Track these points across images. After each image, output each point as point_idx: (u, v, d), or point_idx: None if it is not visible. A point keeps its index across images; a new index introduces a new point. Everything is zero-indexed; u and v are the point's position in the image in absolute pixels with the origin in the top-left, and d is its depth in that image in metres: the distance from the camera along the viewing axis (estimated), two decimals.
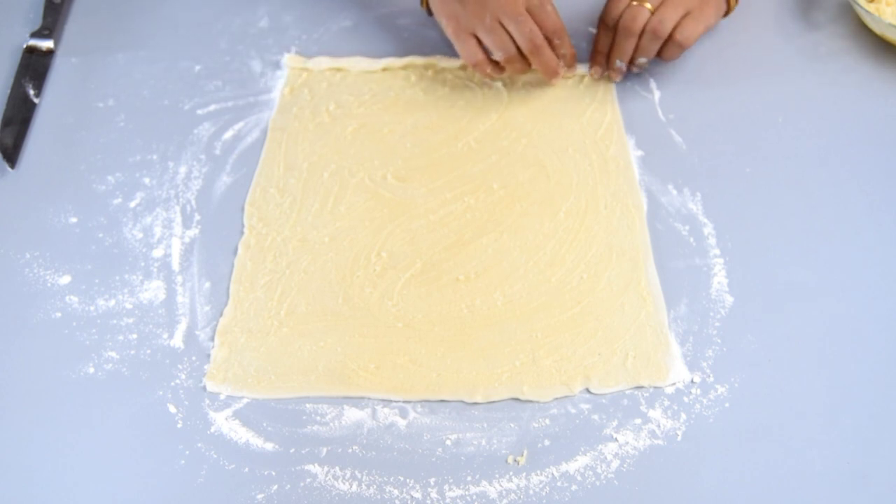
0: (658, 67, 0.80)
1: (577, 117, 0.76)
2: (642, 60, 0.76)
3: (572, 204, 0.69)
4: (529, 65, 0.74)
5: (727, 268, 0.64)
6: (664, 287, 0.63)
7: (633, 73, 0.78)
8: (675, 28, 0.73)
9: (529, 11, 0.72)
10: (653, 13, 0.73)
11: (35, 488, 0.55)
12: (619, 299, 0.63)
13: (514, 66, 0.74)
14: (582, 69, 0.80)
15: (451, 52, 0.79)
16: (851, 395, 0.57)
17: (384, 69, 0.81)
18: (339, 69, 0.81)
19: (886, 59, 0.80)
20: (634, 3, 0.73)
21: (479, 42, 0.73)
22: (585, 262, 0.65)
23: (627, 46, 0.74)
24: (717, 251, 0.66)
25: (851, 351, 0.59)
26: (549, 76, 0.76)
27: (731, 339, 0.60)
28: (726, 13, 0.80)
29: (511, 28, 0.71)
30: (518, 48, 0.72)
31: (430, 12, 0.78)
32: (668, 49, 0.75)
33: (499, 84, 0.79)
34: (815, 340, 0.60)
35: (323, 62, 0.81)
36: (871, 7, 0.80)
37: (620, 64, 0.76)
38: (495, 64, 0.75)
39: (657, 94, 0.78)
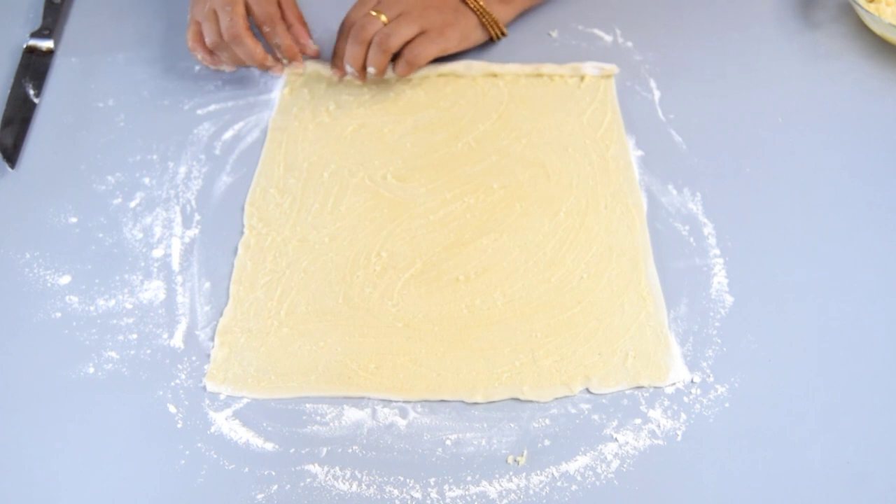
0: (658, 67, 0.80)
1: (577, 117, 0.76)
2: (371, 70, 0.76)
3: (572, 204, 0.69)
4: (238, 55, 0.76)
5: (727, 268, 0.64)
6: (664, 287, 0.63)
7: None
8: (406, 44, 0.74)
9: (246, 3, 0.75)
10: (385, 25, 0.74)
11: (35, 488, 0.55)
12: (619, 299, 0.63)
13: (222, 54, 0.76)
14: (589, 70, 0.79)
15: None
16: (851, 395, 0.57)
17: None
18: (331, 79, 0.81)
19: (886, 59, 0.80)
20: (372, 12, 0.75)
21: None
22: (585, 262, 0.65)
23: (357, 53, 0.75)
24: (717, 251, 0.66)
25: (851, 351, 0.60)
26: (258, 66, 0.77)
27: (731, 339, 0.60)
28: (492, 39, 0.80)
29: (220, 16, 0.74)
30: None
31: None
32: (397, 65, 0.76)
33: (499, 84, 0.79)
34: (815, 340, 0.60)
35: (320, 68, 0.81)
36: (871, 7, 0.80)
37: (351, 70, 0.76)
38: (209, 51, 0.77)
39: (657, 94, 0.78)
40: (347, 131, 0.76)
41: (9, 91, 0.79)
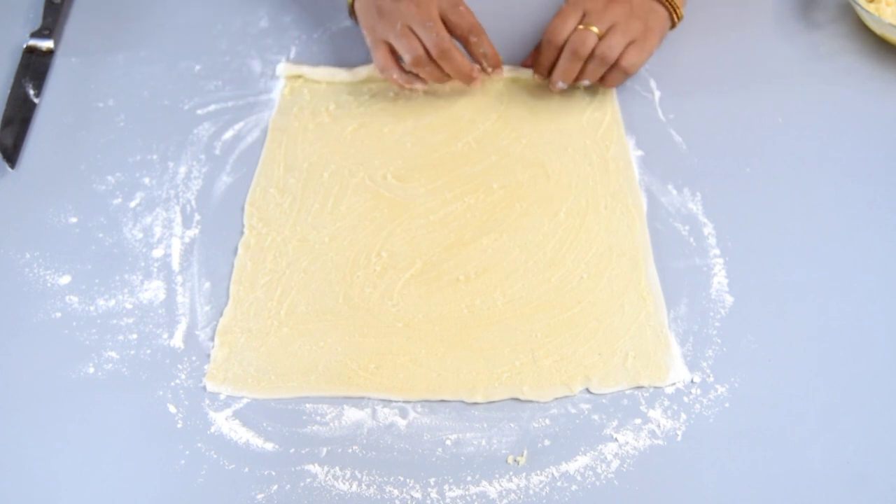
0: (658, 67, 0.80)
1: (577, 117, 0.76)
2: (585, 83, 0.75)
3: (572, 204, 0.69)
4: (441, 70, 0.74)
5: (727, 268, 0.64)
6: (664, 287, 0.63)
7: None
8: (620, 55, 0.73)
9: (442, 15, 0.73)
10: (601, 38, 0.72)
11: (35, 488, 0.55)
12: (619, 299, 0.63)
13: (423, 69, 0.73)
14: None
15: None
16: (851, 395, 0.57)
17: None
18: (331, 82, 0.80)
19: (886, 59, 0.80)
20: (581, 26, 0.73)
21: (394, 51, 0.74)
22: (585, 262, 0.65)
23: (573, 69, 0.74)
24: (717, 251, 0.66)
25: (851, 351, 0.59)
26: (464, 80, 0.75)
27: (731, 339, 0.60)
28: (672, 27, 0.79)
29: (420, 33, 0.72)
30: (429, 53, 0.73)
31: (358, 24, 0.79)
32: (612, 75, 0.74)
33: (499, 84, 0.79)
34: (815, 340, 0.60)
35: (318, 73, 0.80)
36: (871, 7, 0.80)
37: (563, 85, 0.75)
38: (404, 70, 0.75)
39: (657, 94, 0.78)
40: (347, 131, 0.76)
41: (9, 91, 0.79)
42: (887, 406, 0.57)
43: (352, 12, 0.78)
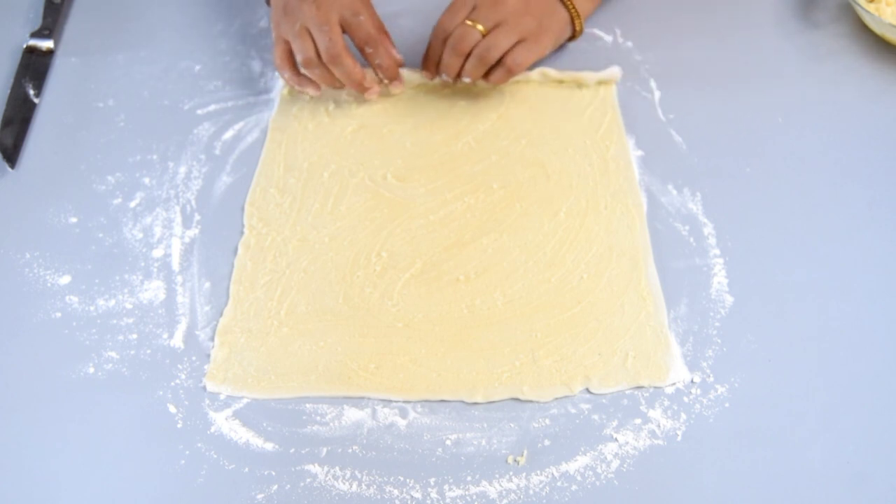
0: (658, 67, 0.80)
1: (577, 117, 0.76)
2: (466, 80, 0.74)
3: (572, 204, 0.69)
4: (334, 75, 0.74)
5: (727, 268, 0.64)
6: (664, 287, 0.63)
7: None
8: (506, 54, 0.72)
9: (343, 22, 0.72)
10: (484, 36, 0.72)
11: (35, 488, 0.55)
12: (619, 299, 0.63)
13: (313, 71, 0.73)
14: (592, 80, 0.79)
15: None
16: (851, 395, 0.57)
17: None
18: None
19: (886, 59, 0.80)
20: (468, 22, 0.72)
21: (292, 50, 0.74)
22: (585, 262, 0.65)
23: (454, 64, 0.73)
24: (717, 251, 0.66)
25: (851, 351, 0.59)
26: (355, 88, 0.75)
27: (731, 339, 0.60)
28: (571, 38, 0.79)
29: (315, 35, 0.72)
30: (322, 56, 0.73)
31: None
32: (495, 73, 0.74)
33: (499, 84, 0.79)
34: (815, 340, 0.60)
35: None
36: (871, 7, 0.80)
37: (446, 78, 0.75)
38: (297, 72, 0.75)
39: (657, 94, 0.78)
40: (347, 131, 0.76)
41: (9, 91, 0.79)
42: (887, 406, 0.57)
43: (268, 3, 0.79)
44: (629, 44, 0.83)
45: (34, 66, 0.82)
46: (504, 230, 0.68)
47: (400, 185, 0.71)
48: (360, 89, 0.76)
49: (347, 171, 0.73)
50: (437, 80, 0.78)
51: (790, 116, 0.75)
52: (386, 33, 0.76)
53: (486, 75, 0.74)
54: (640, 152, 0.73)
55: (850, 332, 0.61)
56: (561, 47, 0.82)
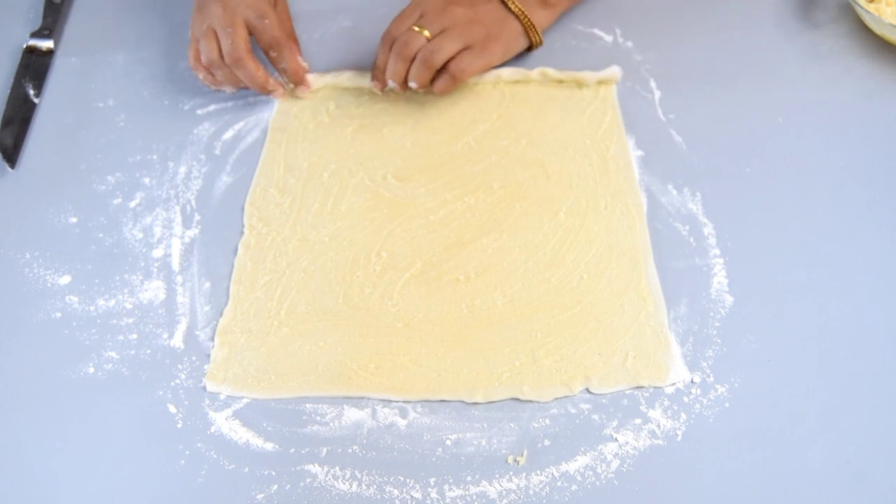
0: (658, 67, 0.80)
1: (577, 117, 0.76)
2: (413, 85, 0.74)
3: (572, 204, 0.69)
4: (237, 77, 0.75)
5: (727, 268, 0.64)
6: (664, 287, 0.63)
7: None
8: (451, 60, 0.72)
9: (248, 24, 0.73)
10: (429, 41, 0.72)
11: (35, 488, 0.55)
12: (619, 299, 0.63)
13: (217, 72, 0.75)
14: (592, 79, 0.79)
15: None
16: (851, 395, 0.57)
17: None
18: (333, 87, 0.80)
19: (886, 59, 0.80)
20: (415, 28, 0.72)
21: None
22: (585, 262, 0.65)
23: (399, 69, 0.73)
24: (717, 251, 0.66)
25: (851, 351, 0.59)
26: (259, 91, 0.76)
27: (731, 339, 0.60)
28: (529, 49, 0.79)
29: (220, 37, 0.73)
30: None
31: None
32: (440, 80, 0.73)
33: (500, 84, 0.79)
34: (815, 340, 0.60)
35: (314, 80, 0.80)
36: (871, 7, 0.80)
37: (393, 84, 0.75)
38: (208, 70, 0.76)
39: (657, 94, 0.78)
40: (347, 131, 0.76)
41: (9, 91, 0.79)
42: (887, 406, 0.57)
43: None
44: (629, 44, 0.83)
45: (34, 66, 0.82)
46: (504, 230, 0.68)
47: (400, 185, 0.71)
48: (264, 91, 0.77)
49: (347, 171, 0.73)
50: (385, 90, 0.78)
51: (790, 116, 0.75)
52: (293, 38, 0.77)
53: (432, 82, 0.74)
54: (640, 152, 0.73)
55: (850, 332, 0.60)
56: (560, 48, 0.82)
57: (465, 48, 0.73)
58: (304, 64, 0.79)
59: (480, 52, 0.73)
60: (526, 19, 0.76)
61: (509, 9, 0.75)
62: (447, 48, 0.72)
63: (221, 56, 0.74)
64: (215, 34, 0.74)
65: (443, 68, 0.73)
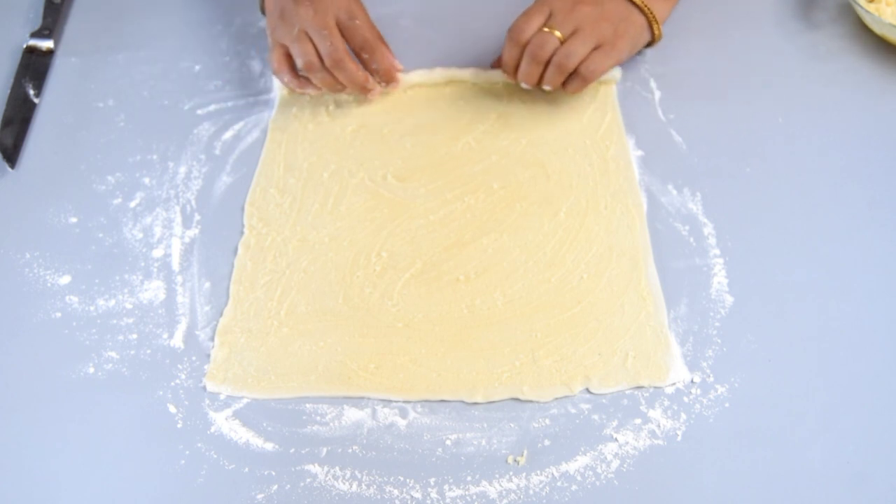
0: (658, 67, 0.80)
1: (577, 117, 0.76)
2: (547, 88, 0.73)
3: (572, 204, 0.69)
4: (335, 79, 0.74)
5: (727, 268, 0.64)
6: (664, 287, 0.63)
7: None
8: (581, 61, 0.71)
9: (339, 25, 0.73)
10: (562, 43, 0.71)
11: (35, 488, 0.55)
12: (619, 299, 0.63)
13: (315, 76, 0.73)
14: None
15: (445, 57, 0.80)
16: (851, 395, 0.57)
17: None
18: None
19: (886, 59, 0.80)
20: (545, 29, 0.71)
21: (290, 53, 0.74)
22: (585, 262, 0.65)
23: (534, 72, 0.72)
24: (717, 251, 0.66)
25: (851, 351, 0.59)
26: (357, 91, 0.76)
27: (731, 339, 0.60)
28: (650, 44, 0.78)
29: (315, 39, 0.72)
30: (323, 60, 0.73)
31: None
32: (571, 82, 0.73)
33: (499, 84, 0.79)
34: (815, 340, 0.60)
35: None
36: (871, 7, 0.80)
37: (526, 86, 0.74)
38: (296, 74, 0.75)
39: (657, 94, 0.78)
40: (347, 131, 0.76)
41: (9, 91, 0.79)
42: (887, 406, 0.57)
43: (263, 10, 0.79)
44: None
45: (34, 66, 0.82)
46: (504, 230, 0.68)
47: (400, 185, 0.71)
48: (362, 92, 0.76)
49: (347, 171, 0.73)
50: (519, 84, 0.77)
51: (790, 116, 0.75)
52: (381, 37, 0.76)
53: (563, 84, 0.73)
54: (640, 152, 0.73)
55: (850, 332, 0.60)
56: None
57: (595, 48, 0.72)
58: (398, 65, 0.77)
59: (610, 51, 0.72)
60: (650, 13, 0.75)
61: (634, 3, 0.74)
62: (580, 51, 0.71)
63: (319, 59, 0.72)
64: (309, 37, 0.72)
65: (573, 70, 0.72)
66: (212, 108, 0.79)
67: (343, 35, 0.73)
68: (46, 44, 0.84)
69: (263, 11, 0.79)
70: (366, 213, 0.69)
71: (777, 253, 0.65)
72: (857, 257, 0.65)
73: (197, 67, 0.83)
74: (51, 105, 0.80)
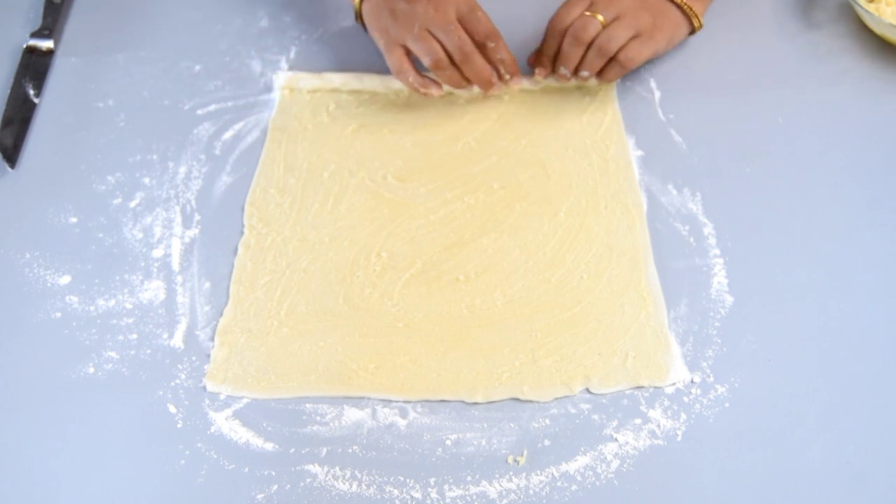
0: (658, 67, 0.80)
1: (577, 117, 0.76)
2: (585, 74, 0.74)
3: (572, 204, 0.69)
4: (461, 75, 0.73)
5: (727, 268, 0.64)
6: (664, 287, 0.63)
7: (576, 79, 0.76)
8: (620, 48, 0.72)
9: (460, 19, 0.72)
10: (604, 27, 0.72)
11: (35, 488, 0.55)
12: (619, 299, 0.63)
13: (443, 73, 0.72)
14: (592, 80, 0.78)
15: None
16: (851, 395, 0.57)
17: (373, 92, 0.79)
18: (332, 90, 0.80)
19: (886, 59, 0.80)
20: (587, 13, 0.72)
21: (409, 53, 0.73)
22: (585, 262, 0.65)
23: (574, 55, 0.73)
24: (717, 251, 0.66)
25: (851, 351, 0.60)
26: (483, 86, 0.75)
27: (731, 339, 0.60)
28: (691, 32, 0.79)
29: (440, 37, 0.71)
30: (450, 57, 0.72)
31: (365, 28, 0.78)
32: (609, 69, 0.73)
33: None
34: (815, 340, 0.60)
35: (312, 81, 0.80)
36: (871, 7, 0.80)
37: (565, 71, 0.74)
38: (420, 73, 0.74)
39: (657, 94, 0.78)
40: (347, 131, 0.76)
41: (9, 91, 0.79)
42: (887, 406, 0.57)
43: (359, 16, 0.78)
44: None
45: (34, 66, 0.82)
46: (504, 230, 0.68)
47: (400, 185, 0.71)
48: (487, 86, 0.75)
49: (347, 171, 0.73)
50: (548, 81, 0.77)
51: (790, 116, 0.75)
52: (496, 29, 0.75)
53: (600, 72, 0.73)
54: (640, 152, 0.73)
55: (850, 332, 0.61)
56: None
57: (634, 36, 0.72)
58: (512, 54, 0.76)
59: (648, 40, 0.73)
60: (688, 7, 0.76)
61: (673, 1, 0.75)
62: (621, 36, 0.71)
63: (447, 55, 0.71)
64: (432, 34, 0.71)
65: (611, 57, 0.73)
66: (212, 108, 0.79)
67: (465, 28, 0.72)
68: (46, 44, 0.84)
69: (358, 18, 0.78)
70: (366, 213, 0.69)
71: (777, 253, 0.65)
72: (857, 257, 0.65)
73: (197, 67, 0.83)
74: (51, 105, 0.80)
